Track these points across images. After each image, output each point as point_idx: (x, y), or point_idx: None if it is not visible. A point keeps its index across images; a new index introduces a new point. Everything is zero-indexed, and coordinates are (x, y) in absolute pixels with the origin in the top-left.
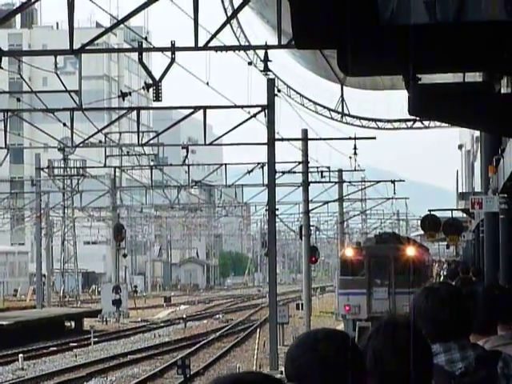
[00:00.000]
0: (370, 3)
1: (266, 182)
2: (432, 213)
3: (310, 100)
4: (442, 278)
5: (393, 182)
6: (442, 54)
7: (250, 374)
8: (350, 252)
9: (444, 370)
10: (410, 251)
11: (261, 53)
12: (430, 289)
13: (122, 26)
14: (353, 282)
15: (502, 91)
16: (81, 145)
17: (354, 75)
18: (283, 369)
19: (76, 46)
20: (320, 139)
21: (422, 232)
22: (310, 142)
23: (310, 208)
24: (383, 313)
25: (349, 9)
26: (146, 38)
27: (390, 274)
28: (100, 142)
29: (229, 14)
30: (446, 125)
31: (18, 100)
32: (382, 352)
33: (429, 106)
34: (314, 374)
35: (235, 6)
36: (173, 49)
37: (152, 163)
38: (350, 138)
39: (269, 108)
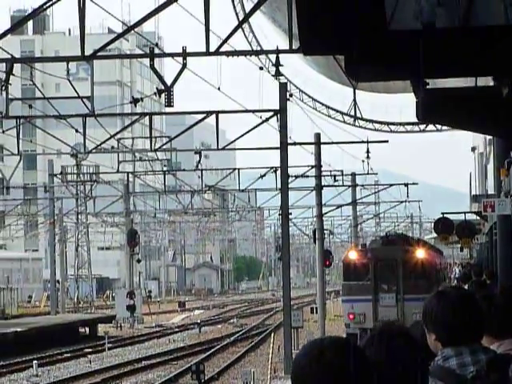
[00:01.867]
0: (378, 10)
1: (279, 186)
2: (445, 216)
3: (322, 104)
4: (454, 281)
5: (406, 185)
6: (449, 59)
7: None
8: (353, 255)
9: (455, 373)
10: (420, 253)
11: (273, 57)
12: (441, 293)
13: (134, 31)
14: (357, 287)
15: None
16: (93, 151)
17: (361, 81)
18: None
19: (88, 52)
20: (333, 143)
21: (435, 235)
22: (322, 145)
23: (324, 212)
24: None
25: (356, 15)
26: (157, 44)
27: (398, 279)
28: (113, 147)
29: (240, 19)
30: None
31: (30, 106)
32: (376, 364)
33: (436, 111)
34: (321, 382)
35: (247, 11)
36: (184, 54)
37: (165, 168)
38: (362, 142)
39: (281, 112)
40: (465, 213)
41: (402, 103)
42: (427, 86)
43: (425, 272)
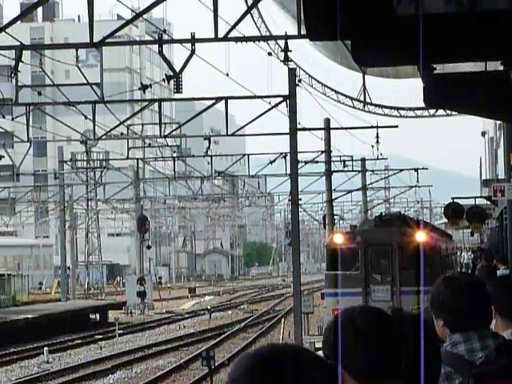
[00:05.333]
0: None
1: (288, 171)
2: (455, 200)
3: (331, 89)
4: (464, 267)
5: (416, 169)
6: (456, 44)
7: (288, 344)
8: (339, 238)
9: (464, 359)
10: (421, 236)
11: (281, 43)
12: (449, 278)
13: (142, 18)
14: (344, 278)
15: None
16: (103, 137)
17: (368, 66)
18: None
19: (97, 38)
20: (342, 128)
21: (445, 220)
22: (332, 131)
23: (334, 197)
24: None
25: (363, 0)
26: (165, 30)
27: (394, 268)
28: (122, 134)
29: (249, 4)
30: None
31: (40, 93)
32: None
33: (444, 96)
34: (351, 349)
35: None
36: (193, 40)
37: (175, 154)
38: (372, 127)
39: (290, 98)
40: (475, 197)
41: (411, 88)
42: (435, 71)
43: (426, 259)
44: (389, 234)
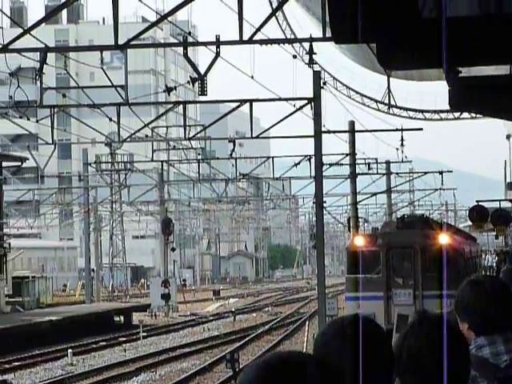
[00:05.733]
0: None
1: (313, 174)
2: (480, 203)
3: (356, 92)
4: (488, 270)
5: (440, 172)
6: (481, 47)
7: (295, 353)
8: (360, 241)
9: (489, 362)
10: (444, 239)
11: (306, 45)
12: (474, 281)
13: (167, 20)
14: (365, 282)
15: None
16: (128, 139)
17: (393, 69)
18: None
19: (122, 40)
20: (367, 131)
21: (470, 223)
22: (356, 133)
23: (358, 200)
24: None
25: (388, 3)
26: (190, 33)
27: (416, 271)
28: (147, 136)
29: (274, 7)
30: None
31: (64, 96)
32: (419, 351)
33: (469, 99)
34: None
35: None
36: (217, 43)
37: (199, 157)
38: (396, 130)
39: (315, 100)
40: (500, 200)
41: (436, 90)
42: (460, 74)
43: (450, 262)
44: (411, 236)
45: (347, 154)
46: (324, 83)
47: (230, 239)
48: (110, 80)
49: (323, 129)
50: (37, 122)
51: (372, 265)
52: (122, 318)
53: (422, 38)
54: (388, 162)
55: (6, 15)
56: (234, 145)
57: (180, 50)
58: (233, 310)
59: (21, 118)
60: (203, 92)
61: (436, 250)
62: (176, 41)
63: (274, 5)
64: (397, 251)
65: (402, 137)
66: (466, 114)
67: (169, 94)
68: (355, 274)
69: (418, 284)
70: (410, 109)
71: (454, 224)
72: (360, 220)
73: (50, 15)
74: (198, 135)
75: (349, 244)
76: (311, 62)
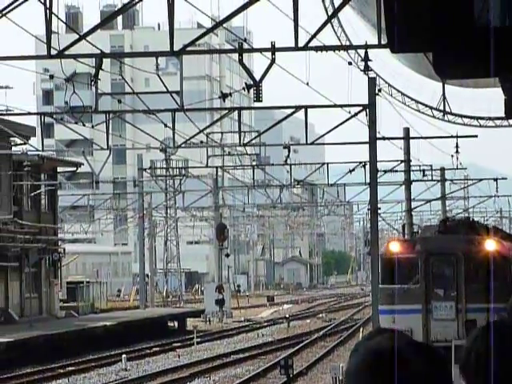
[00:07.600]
0: (466, 4)
1: (368, 180)
2: None
3: (411, 98)
4: None
5: (495, 179)
6: None
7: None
8: (395, 247)
9: None
10: (491, 245)
11: (361, 52)
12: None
13: (222, 26)
14: (401, 293)
15: None
16: (183, 145)
17: (450, 78)
18: None
19: (177, 46)
20: (422, 138)
21: None
22: (411, 140)
23: (413, 206)
24: (448, 340)
25: (444, 11)
26: (245, 39)
27: (459, 281)
28: (202, 142)
29: (329, 14)
30: None
31: (120, 101)
32: (487, 355)
33: None
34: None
35: (336, 6)
36: (273, 49)
37: (254, 163)
38: (451, 137)
39: (370, 107)
40: None
41: (491, 97)
42: None
43: (497, 271)
44: (454, 241)
45: (402, 161)
46: (379, 90)
47: (285, 245)
48: (165, 86)
49: (378, 135)
50: (92, 127)
51: (409, 274)
52: (176, 324)
53: (478, 48)
54: (443, 169)
55: (62, 21)
56: (289, 151)
57: (235, 56)
58: (287, 316)
59: (76, 123)
60: (258, 98)
61: (482, 258)
62: (231, 47)
63: (330, 11)
64: (437, 258)
65: (457, 143)
66: None
67: (224, 100)
68: (390, 284)
69: (461, 296)
70: (465, 115)
71: (509, 232)
72: (414, 227)
73: (106, 21)
74: (253, 141)
75: (383, 250)
76: (366, 69)
